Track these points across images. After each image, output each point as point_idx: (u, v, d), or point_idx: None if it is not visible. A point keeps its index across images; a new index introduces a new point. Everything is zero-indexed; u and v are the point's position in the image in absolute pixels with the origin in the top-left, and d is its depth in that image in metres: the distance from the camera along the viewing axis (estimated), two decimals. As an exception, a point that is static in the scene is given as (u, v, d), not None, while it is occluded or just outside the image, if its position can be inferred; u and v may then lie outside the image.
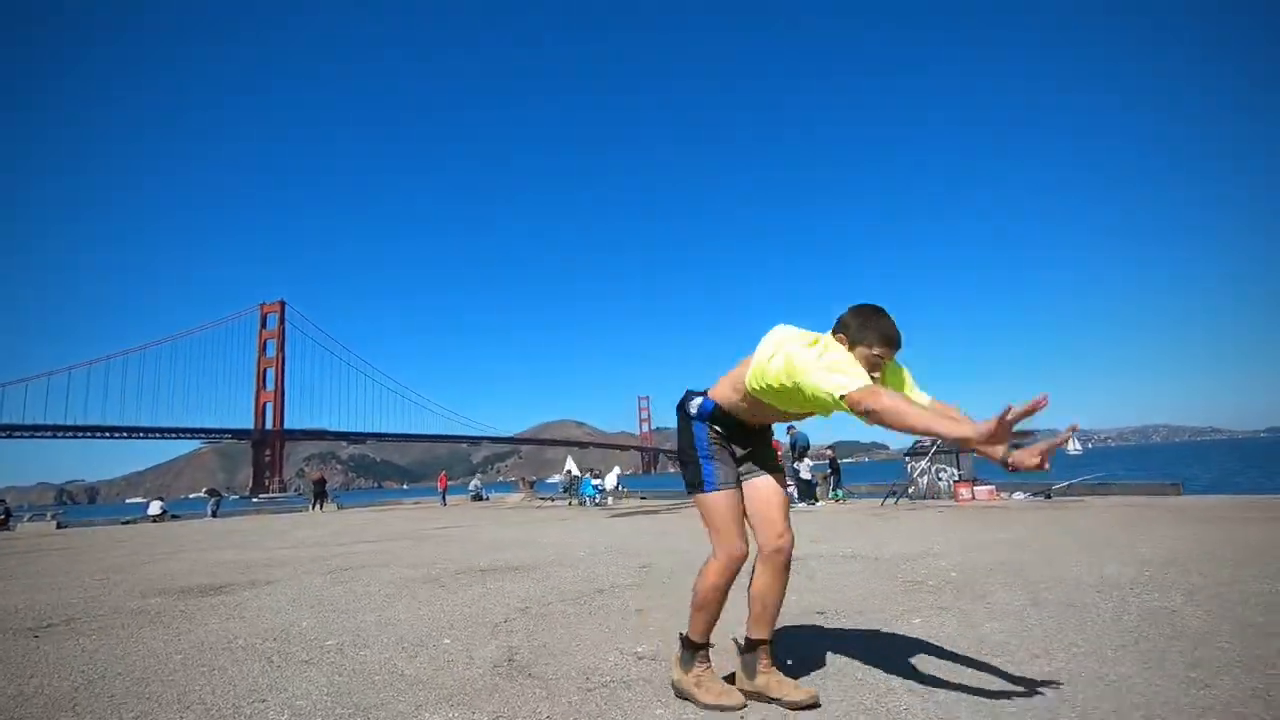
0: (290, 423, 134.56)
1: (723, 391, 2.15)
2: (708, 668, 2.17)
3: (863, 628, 2.93)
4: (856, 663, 2.44)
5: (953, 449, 11.57)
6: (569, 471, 21.64)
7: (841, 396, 1.72)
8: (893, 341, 1.92)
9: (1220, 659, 2.27)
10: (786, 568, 2.15)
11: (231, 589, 5.02)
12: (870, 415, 1.69)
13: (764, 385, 1.98)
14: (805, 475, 12.14)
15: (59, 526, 20.19)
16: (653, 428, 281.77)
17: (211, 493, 25.49)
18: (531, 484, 25.59)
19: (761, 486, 2.21)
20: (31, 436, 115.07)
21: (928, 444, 11.99)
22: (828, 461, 13.38)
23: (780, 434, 12.19)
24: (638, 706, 2.15)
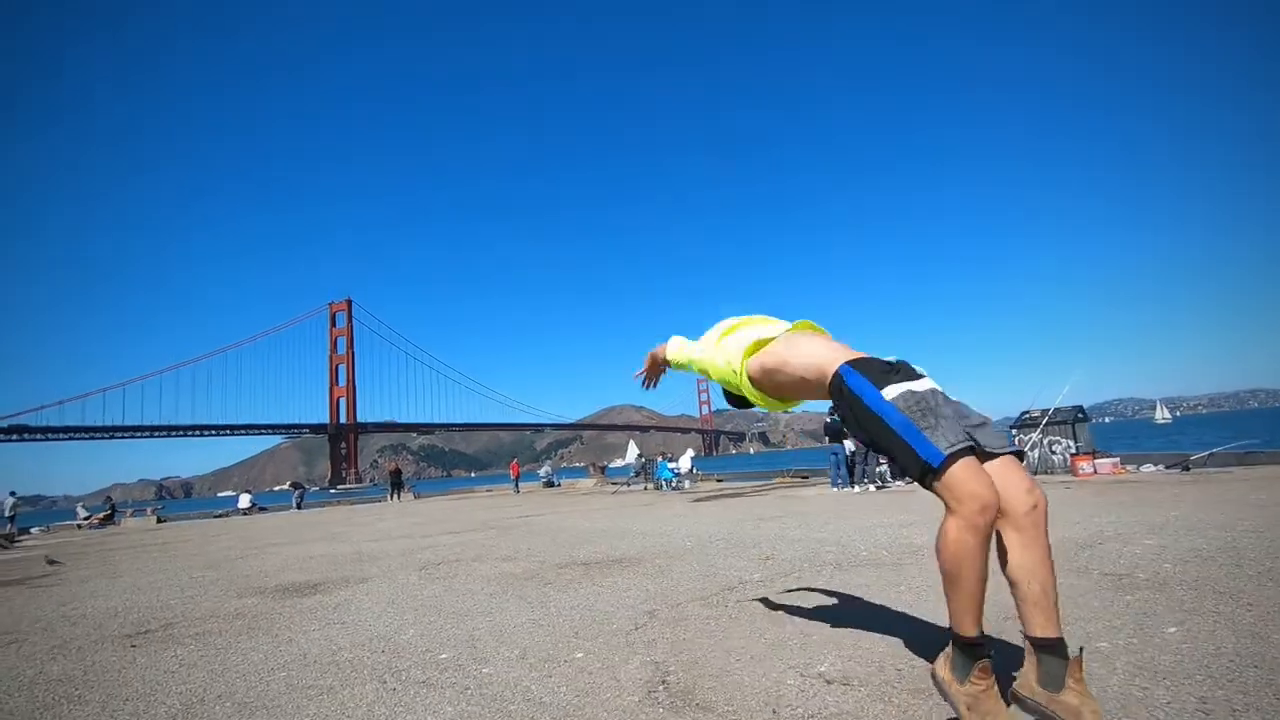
0: (362, 416, 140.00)
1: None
2: (990, 684, 1.56)
3: (1107, 645, 2.32)
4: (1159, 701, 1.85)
5: (1067, 420, 10.57)
6: (640, 456, 21.28)
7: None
8: None
9: None
10: (1045, 531, 1.61)
11: (326, 587, 4.76)
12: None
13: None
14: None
15: (159, 521, 21.21)
16: (712, 409, 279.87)
17: (295, 485, 26.42)
18: (602, 469, 25.43)
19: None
20: (132, 436, 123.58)
21: (1037, 414, 11.02)
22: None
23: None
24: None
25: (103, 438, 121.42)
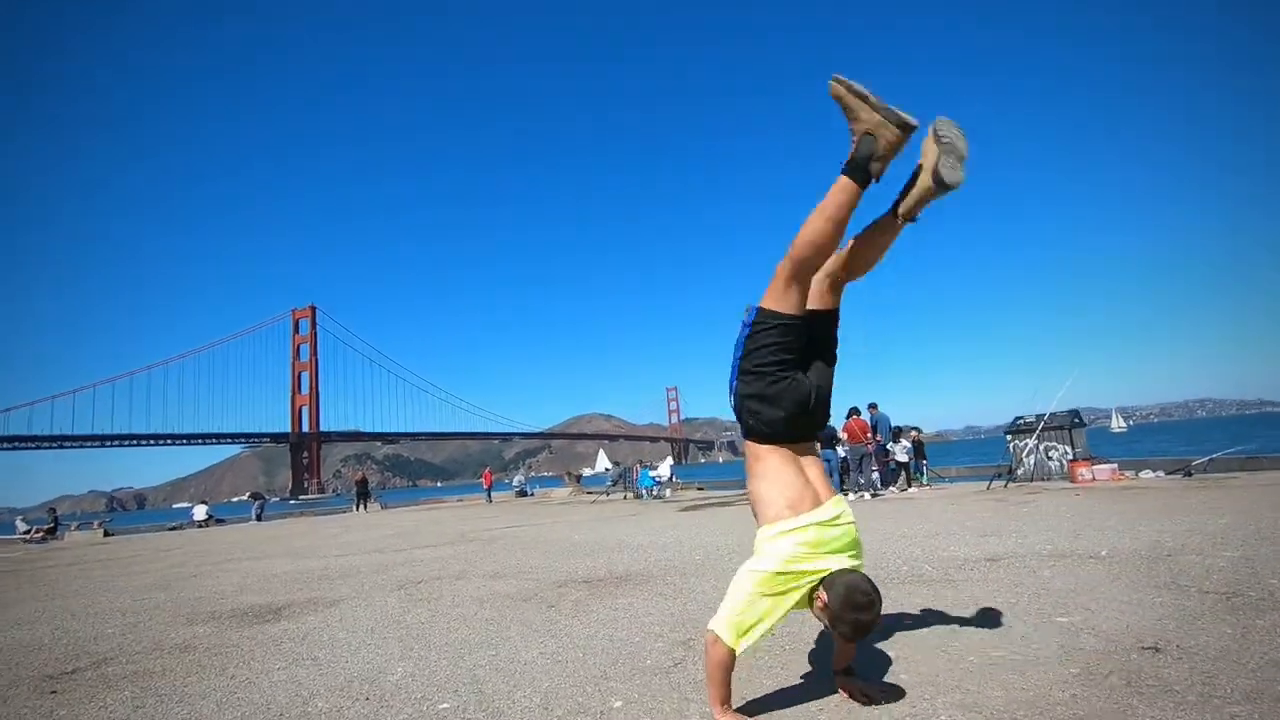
0: (326, 425, 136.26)
1: None
2: None
3: (1249, 687, 1.91)
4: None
5: (1063, 425, 10.38)
6: (618, 464, 20.72)
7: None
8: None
9: None
10: None
11: (291, 611, 4.17)
12: None
13: None
14: (902, 458, 11.10)
15: (106, 535, 19.95)
16: (681, 418, 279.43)
17: (255, 496, 25.27)
18: (578, 478, 24.83)
19: None
20: (81, 446, 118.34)
21: (1031, 421, 10.81)
22: (913, 444, 12.24)
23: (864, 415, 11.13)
24: None
25: (51, 448, 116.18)
